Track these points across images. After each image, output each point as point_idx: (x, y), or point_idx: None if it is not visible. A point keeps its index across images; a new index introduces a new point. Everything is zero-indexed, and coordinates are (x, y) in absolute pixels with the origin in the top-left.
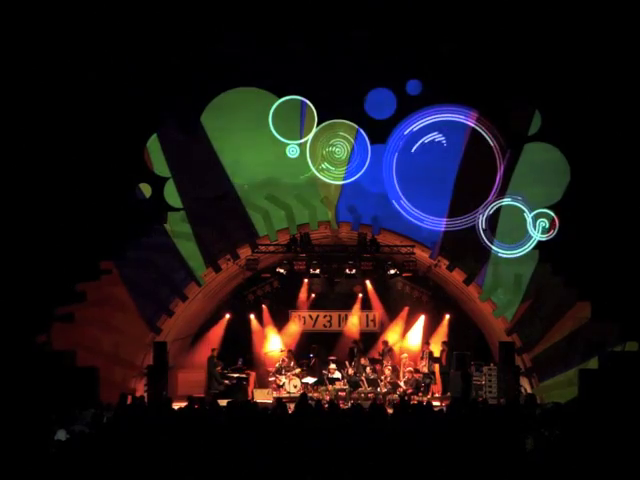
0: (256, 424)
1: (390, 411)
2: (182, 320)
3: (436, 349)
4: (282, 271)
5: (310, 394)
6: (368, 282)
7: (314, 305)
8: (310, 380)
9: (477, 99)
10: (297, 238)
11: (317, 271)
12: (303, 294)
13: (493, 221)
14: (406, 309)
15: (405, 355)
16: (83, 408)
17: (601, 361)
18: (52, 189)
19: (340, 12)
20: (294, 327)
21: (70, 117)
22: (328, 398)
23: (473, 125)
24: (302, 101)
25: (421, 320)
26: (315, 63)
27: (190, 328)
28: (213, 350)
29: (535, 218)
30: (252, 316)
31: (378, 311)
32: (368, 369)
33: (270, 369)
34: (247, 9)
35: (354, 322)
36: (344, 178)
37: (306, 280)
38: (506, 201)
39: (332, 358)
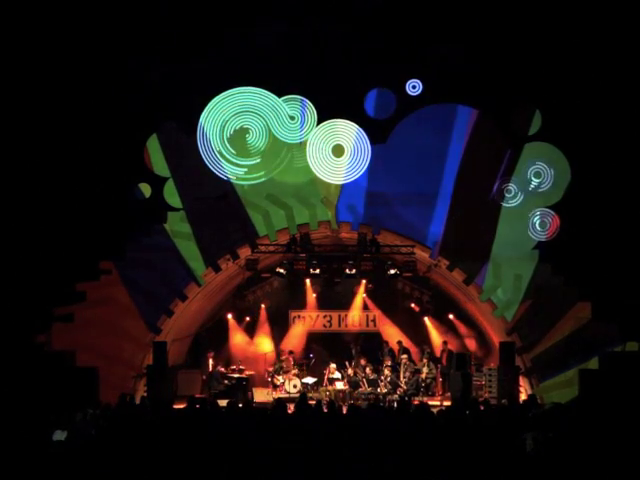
0: (255, 424)
1: (390, 412)
2: (182, 320)
3: (436, 349)
4: (282, 271)
5: (310, 394)
6: (368, 282)
7: (314, 305)
8: (310, 380)
9: (477, 99)
10: (297, 238)
11: (317, 271)
12: (302, 294)
13: None
14: (409, 310)
15: (405, 355)
16: (83, 408)
17: (601, 361)
18: (52, 189)
19: (340, 12)
20: (293, 327)
21: (70, 117)
22: (328, 398)
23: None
24: (302, 101)
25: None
26: (315, 63)
27: (190, 328)
28: (213, 350)
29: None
30: (248, 318)
31: (378, 311)
32: (368, 369)
33: (269, 369)
34: (247, 9)
35: (354, 322)
36: (344, 178)
37: (308, 280)
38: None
39: (332, 358)
